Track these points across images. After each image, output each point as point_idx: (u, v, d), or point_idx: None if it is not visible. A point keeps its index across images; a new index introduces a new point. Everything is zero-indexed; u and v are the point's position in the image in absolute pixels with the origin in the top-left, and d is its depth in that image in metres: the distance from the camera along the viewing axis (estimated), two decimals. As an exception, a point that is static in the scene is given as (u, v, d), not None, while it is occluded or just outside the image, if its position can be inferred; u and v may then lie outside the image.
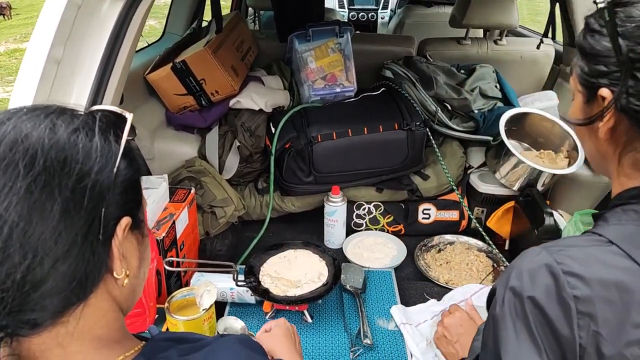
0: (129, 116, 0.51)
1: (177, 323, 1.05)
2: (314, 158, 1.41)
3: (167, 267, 1.01)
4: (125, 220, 0.47)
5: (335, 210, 1.45)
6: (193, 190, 1.33)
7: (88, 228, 0.43)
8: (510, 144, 1.42)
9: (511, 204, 1.44)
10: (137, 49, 1.58)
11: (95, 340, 0.48)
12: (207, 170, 1.44)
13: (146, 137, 1.40)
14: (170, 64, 1.41)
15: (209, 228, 1.42)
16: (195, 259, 1.30)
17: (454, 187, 1.46)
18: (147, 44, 1.68)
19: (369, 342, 1.10)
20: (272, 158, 1.46)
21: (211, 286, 1.10)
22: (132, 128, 0.52)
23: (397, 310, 1.21)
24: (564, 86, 1.76)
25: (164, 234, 1.14)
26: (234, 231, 1.49)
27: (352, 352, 1.09)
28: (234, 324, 1.06)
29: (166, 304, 1.08)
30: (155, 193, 1.18)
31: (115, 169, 0.46)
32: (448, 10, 2.79)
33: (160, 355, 0.49)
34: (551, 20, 1.76)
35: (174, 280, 1.22)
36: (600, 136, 0.59)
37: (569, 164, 1.39)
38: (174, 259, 1.12)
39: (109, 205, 0.45)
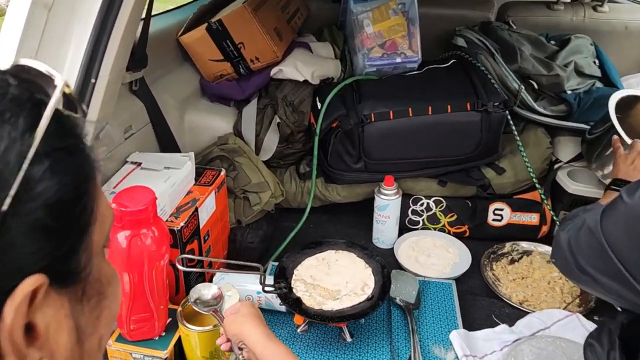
0: (58, 79, 0.30)
1: (189, 334, 0.88)
2: (365, 141, 1.18)
3: (179, 267, 0.83)
4: (33, 283, 0.27)
5: (387, 204, 1.22)
6: (223, 172, 1.14)
7: None
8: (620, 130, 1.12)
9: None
10: (172, 7, 1.40)
11: None
12: (242, 149, 1.25)
13: (175, 107, 1.22)
14: (205, 24, 1.21)
15: (241, 216, 1.23)
16: (218, 256, 1.12)
17: (537, 185, 1.19)
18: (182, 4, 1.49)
19: (421, 376, 0.88)
20: (316, 139, 1.24)
21: (233, 290, 0.91)
22: (78, 105, 0.32)
23: (459, 337, 0.98)
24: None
25: (182, 224, 0.96)
26: (269, 220, 1.30)
27: (399, 387, 0.87)
28: (205, 294, 0.87)
29: (179, 309, 0.90)
30: (176, 174, 1.00)
31: (15, 185, 0.26)
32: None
33: None
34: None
35: (195, 276, 1.05)
36: None
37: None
38: (188, 256, 0.94)
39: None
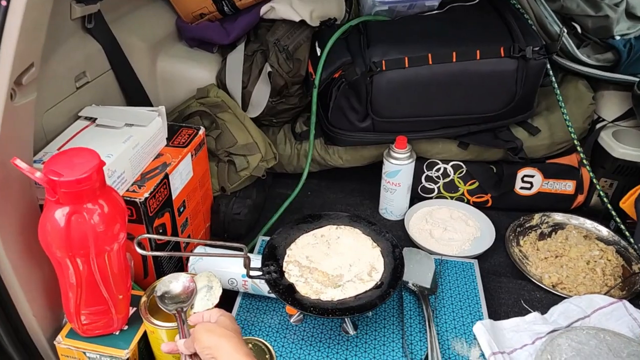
0: None
1: (155, 331, 0.71)
2: (374, 94, 0.98)
3: (139, 251, 0.65)
4: None
5: (398, 169, 1.03)
6: (203, 131, 0.95)
7: None
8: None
9: (665, 178, 0.97)
10: None
11: None
12: (227, 104, 1.05)
13: (144, 53, 1.02)
14: (180, -50, 0.99)
15: (226, 183, 1.05)
16: (198, 231, 0.94)
17: (579, 147, 1.00)
18: None
19: (440, 381, 0.72)
20: (315, 92, 1.04)
21: (215, 281, 0.74)
22: None
23: (484, 330, 0.81)
24: None
25: (147, 194, 0.77)
26: (259, 188, 1.12)
27: (413, 395, 0.71)
28: (174, 287, 0.72)
29: (143, 299, 0.73)
30: (140, 133, 0.81)
31: None
32: None
33: None
34: None
35: (167, 257, 0.88)
36: None
37: None
38: (151, 236, 0.77)
39: None
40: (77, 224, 0.60)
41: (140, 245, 0.67)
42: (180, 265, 0.92)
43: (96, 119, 0.83)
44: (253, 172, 1.05)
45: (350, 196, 1.20)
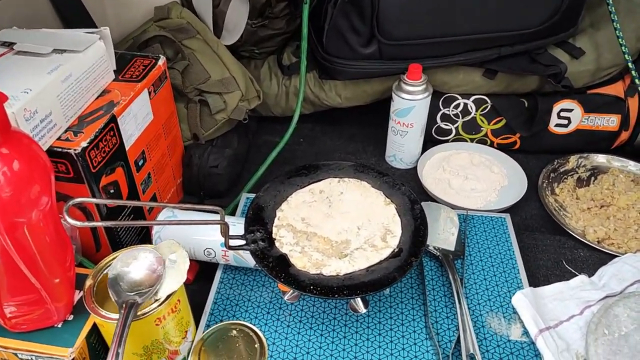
0: None
1: (106, 325, 0.54)
2: (382, 8, 0.77)
3: (69, 221, 0.46)
4: None
5: (412, 106, 0.84)
6: (164, 60, 0.74)
7: None
8: None
9: None
10: None
11: None
12: (194, 27, 0.84)
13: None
14: None
15: (198, 129, 0.85)
16: (166, 189, 0.75)
17: (633, 71, 0.80)
18: None
19: (478, 371, 0.56)
20: (306, 9, 0.83)
21: (179, 251, 0.57)
22: None
23: (526, 302, 0.65)
24: None
25: (84, 143, 0.58)
26: (241, 135, 0.92)
27: (446, 393, 0.55)
28: (132, 270, 0.54)
29: (88, 282, 0.55)
30: (73, 62, 0.60)
31: None
32: None
33: None
34: None
35: (125, 227, 0.69)
36: None
37: None
38: (88, 199, 0.58)
39: None
40: (-33, 188, 0.41)
41: (82, 211, 0.48)
42: (145, 234, 0.74)
43: (14, 44, 0.61)
44: (232, 115, 0.85)
45: (350, 142, 1.01)
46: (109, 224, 0.56)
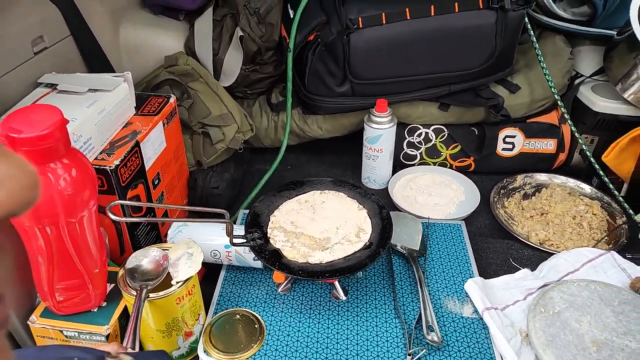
0: None
1: (131, 301, 0.66)
2: (352, 55, 0.95)
3: (112, 216, 0.60)
4: None
5: (380, 134, 1.01)
6: (174, 99, 0.90)
7: None
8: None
9: (643, 130, 0.97)
10: None
11: None
12: (197, 72, 1.00)
13: (105, 18, 0.95)
14: None
15: (201, 156, 1.00)
16: (168, 203, 0.89)
17: (560, 102, 0.99)
18: None
19: (436, 339, 0.69)
20: (290, 56, 1.00)
21: (195, 247, 0.70)
22: None
23: (475, 287, 0.79)
24: None
25: (117, 162, 0.72)
26: (237, 162, 1.08)
27: (409, 355, 0.69)
28: (145, 263, 0.68)
29: (120, 272, 0.68)
30: (105, 98, 0.75)
31: None
32: None
33: None
34: None
35: (144, 231, 0.83)
36: None
37: None
38: (127, 202, 0.72)
39: None
40: (43, 186, 0.55)
41: (115, 211, 0.62)
42: (159, 241, 0.87)
43: (57, 85, 0.77)
44: (229, 145, 1.01)
45: (331, 168, 1.17)
46: (139, 219, 0.70)
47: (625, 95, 0.99)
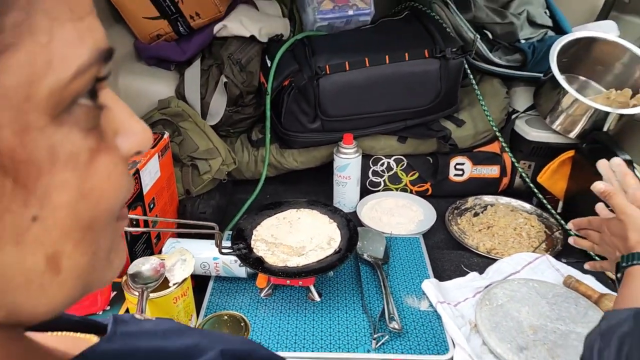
0: None
1: (133, 301, 0.77)
2: (321, 96, 1.11)
3: (127, 228, 0.72)
4: None
5: (347, 163, 1.16)
6: (167, 135, 1.04)
7: None
8: (564, 78, 1.12)
9: (569, 154, 1.15)
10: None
11: None
12: (187, 112, 1.15)
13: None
14: (138, -22, 1.10)
15: (190, 186, 1.13)
16: (162, 225, 1.01)
17: (498, 133, 1.16)
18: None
19: (396, 326, 0.82)
20: (268, 98, 1.16)
21: (187, 254, 0.82)
22: None
23: (431, 286, 0.93)
24: (621, 19, 1.45)
25: (122, 186, 0.85)
26: (222, 191, 1.21)
27: (374, 339, 0.81)
28: (145, 269, 0.79)
29: (124, 277, 0.79)
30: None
31: None
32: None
33: None
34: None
35: (141, 248, 0.94)
36: None
37: (646, 102, 1.10)
38: (137, 216, 0.84)
39: None
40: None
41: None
42: (151, 253, 0.98)
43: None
44: (215, 175, 1.14)
45: (306, 196, 1.31)
46: (144, 230, 0.82)
47: (554, 126, 1.17)
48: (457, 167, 1.25)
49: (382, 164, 1.25)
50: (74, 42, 0.22)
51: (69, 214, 0.23)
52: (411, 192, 1.27)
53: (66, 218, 0.23)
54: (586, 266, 0.84)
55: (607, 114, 1.07)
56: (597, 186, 0.75)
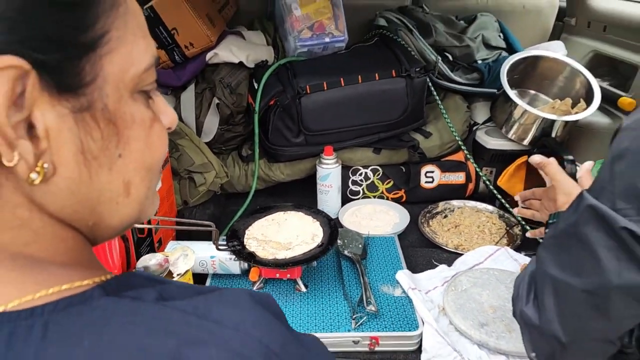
0: None
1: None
2: (303, 113, 1.25)
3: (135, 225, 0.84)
4: (9, 60, 0.27)
5: (329, 173, 1.29)
6: (166, 151, 1.16)
7: None
8: (515, 93, 1.28)
9: (523, 159, 1.30)
10: None
11: (17, 259, 0.31)
12: (184, 131, 1.28)
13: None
14: (138, 14, 1.24)
15: (187, 197, 1.25)
16: (167, 239, 1.13)
17: (461, 143, 1.31)
18: None
19: (373, 308, 0.94)
20: (256, 117, 1.30)
21: (188, 250, 0.94)
22: None
23: (404, 276, 1.05)
24: (570, 40, 1.63)
25: (130, 193, 0.97)
26: (216, 202, 1.33)
27: (353, 320, 0.93)
28: (152, 264, 0.90)
29: (133, 271, 0.91)
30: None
31: None
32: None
33: (128, 293, 0.32)
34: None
35: (146, 250, 1.06)
36: None
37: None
38: (139, 226, 0.96)
39: None
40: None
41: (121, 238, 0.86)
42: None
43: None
44: (210, 187, 1.27)
45: (292, 205, 1.44)
46: (154, 226, 0.93)
47: (509, 135, 1.32)
48: (428, 174, 1.39)
49: (361, 174, 1.39)
50: (144, 50, 0.35)
51: (139, 157, 0.35)
52: (387, 199, 1.40)
53: (138, 159, 0.35)
54: (528, 234, 1.00)
55: (553, 121, 1.23)
56: (534, 158, 0.92)
